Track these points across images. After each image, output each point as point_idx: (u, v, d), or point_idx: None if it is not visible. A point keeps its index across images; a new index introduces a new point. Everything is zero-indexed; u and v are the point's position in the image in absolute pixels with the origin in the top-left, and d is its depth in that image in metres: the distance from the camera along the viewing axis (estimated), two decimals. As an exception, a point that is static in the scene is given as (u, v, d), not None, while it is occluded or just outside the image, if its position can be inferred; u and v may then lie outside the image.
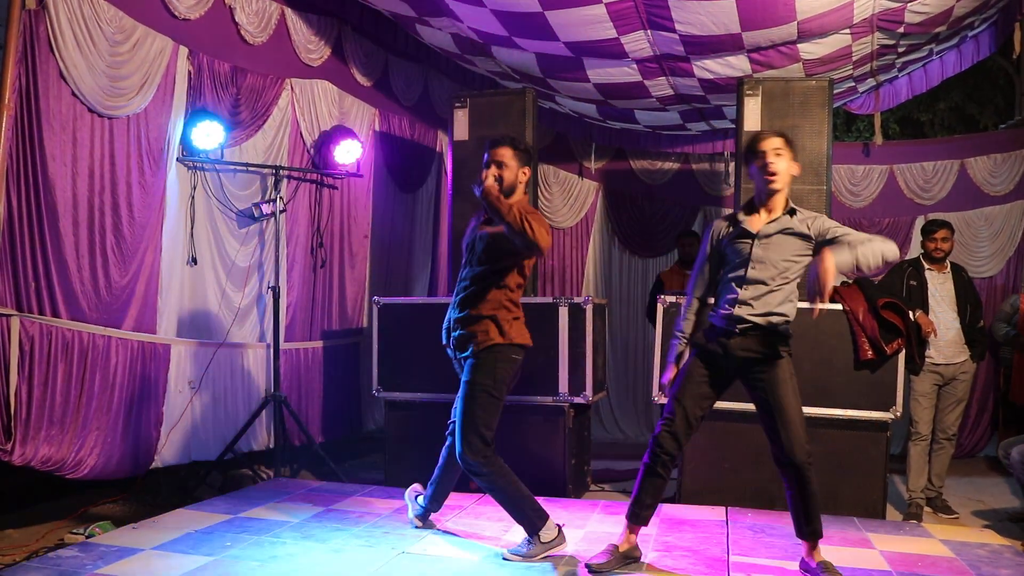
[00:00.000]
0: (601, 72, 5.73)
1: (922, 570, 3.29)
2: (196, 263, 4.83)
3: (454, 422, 3.46)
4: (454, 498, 4.39)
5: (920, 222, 6.50)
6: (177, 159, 4.68)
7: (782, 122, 4.76)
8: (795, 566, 3.29)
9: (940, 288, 5.00)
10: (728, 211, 3.55)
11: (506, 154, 3.38)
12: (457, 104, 5.29)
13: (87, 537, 3.70)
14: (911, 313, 4.59)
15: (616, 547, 3.26)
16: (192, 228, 4.80)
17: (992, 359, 6.62)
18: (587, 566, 3.20)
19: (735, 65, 5.38)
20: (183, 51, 4.63)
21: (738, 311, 3.13)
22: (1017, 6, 5.21)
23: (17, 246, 3.81)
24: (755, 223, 3.19)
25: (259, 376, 5.24)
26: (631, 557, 3.27)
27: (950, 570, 3.30)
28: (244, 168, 5.10)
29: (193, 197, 4.80)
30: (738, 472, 4.48)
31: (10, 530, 4.01)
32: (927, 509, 5.01)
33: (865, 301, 4.48)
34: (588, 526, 3.91)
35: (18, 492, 4.27)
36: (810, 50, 5.17)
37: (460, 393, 3.41)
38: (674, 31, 4.99)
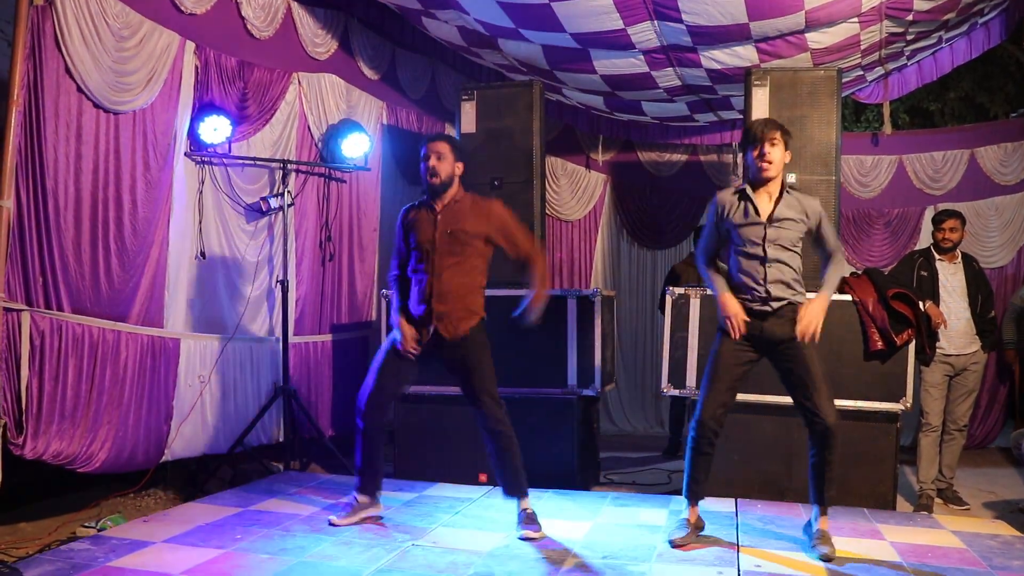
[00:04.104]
0: (608, 63, 5.71)
1: (933, 561, 3.28)
2: (205, 257, 4.84)
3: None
4: (464, 490, 4.41)
5: (930, 212, 6.45)
6: (185, 154, 4.69)
7: (790, 112, 4.73)
8: (804, 557, 3.30)
9: (951, 278, 4.97)
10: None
11: (443, 148, 3.69)
12: (464, 97, 5.28)
13: (99, 530, 3.72)
14: (921, 303, 4.57)
15: (688, 520, 3.52)
16: (201, 222, 4.81)
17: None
18: (670, 543, 3.45)
19: (743, 55, 5.34)
20: (190, 46, 4.63)
21: (768, 292, 3.37)
22: (1028, -7, 5.16)
23: (26, 241, 3.82)
24: (762, 205, 3.42)
25: (269, 370, 5.25)
26: (699, 527, 3.54)
27: (961, 561, 3.29)
28: (252, 162, 5.10)
29: (201, 192, 4.81)
30: (747, 463, 4.47)
31: (23, 523, 4.03)
32: (938, 500, 4.99)
33: (875, 291, 4.46)
34: (598, 518, 3.92)
35: (30, 486, 4.29)
36: (818, 39, 5.13)
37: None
38: (681, 21, 4.96)
